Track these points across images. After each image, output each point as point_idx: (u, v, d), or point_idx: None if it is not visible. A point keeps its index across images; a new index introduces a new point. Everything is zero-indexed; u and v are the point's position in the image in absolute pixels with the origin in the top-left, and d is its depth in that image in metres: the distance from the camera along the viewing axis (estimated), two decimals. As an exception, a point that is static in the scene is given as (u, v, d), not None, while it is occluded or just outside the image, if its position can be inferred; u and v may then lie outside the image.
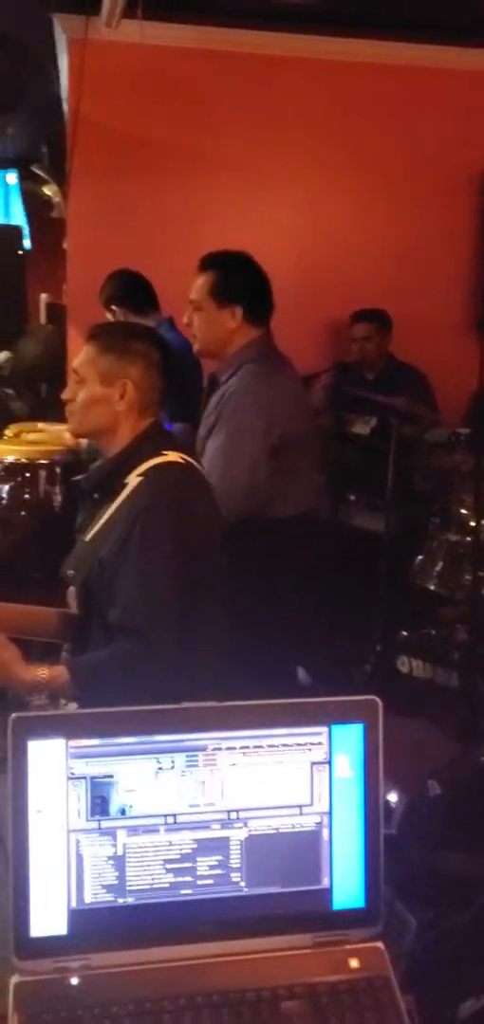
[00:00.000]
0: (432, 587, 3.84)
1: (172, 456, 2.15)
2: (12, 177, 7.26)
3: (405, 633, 3.85)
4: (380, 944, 1.21)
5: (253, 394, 2.80)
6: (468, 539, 3.78)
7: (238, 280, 2.94)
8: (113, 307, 4.07)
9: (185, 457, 2.19)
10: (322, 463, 4.16)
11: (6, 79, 4.29)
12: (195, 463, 2.25)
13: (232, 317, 2.90)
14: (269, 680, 2.19)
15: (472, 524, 3.79)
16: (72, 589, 2.24)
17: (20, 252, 6.53)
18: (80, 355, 2.24)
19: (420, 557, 3.89)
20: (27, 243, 7.17)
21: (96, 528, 2.17)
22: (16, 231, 6.82)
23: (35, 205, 7.32)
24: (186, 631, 2.04)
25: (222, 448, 2.74)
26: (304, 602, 2.98)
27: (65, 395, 2.28)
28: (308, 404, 3.05)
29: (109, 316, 4.07)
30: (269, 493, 2.79)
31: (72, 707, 2.03)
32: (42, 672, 1.95)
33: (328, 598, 4.42)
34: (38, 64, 4.80)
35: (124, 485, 2.13)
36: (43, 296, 6.62)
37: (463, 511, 3.84)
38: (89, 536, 2.19)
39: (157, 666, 1.95)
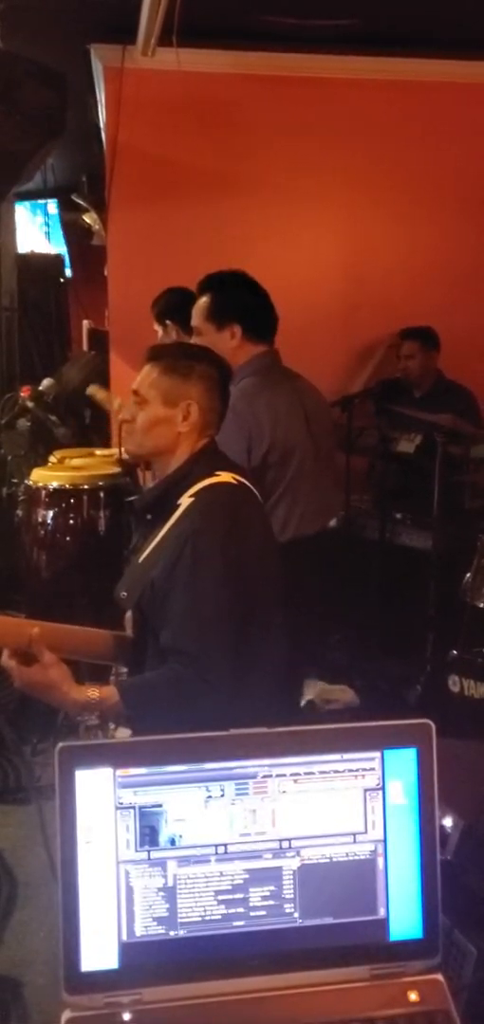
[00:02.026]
0: (482, 605, 3.77)
1: (225, 476, 2.13)
2: (53, 207, 7.36)
3: (455, 652, 3.78)
4: (440, 976, 1.17)
5: (233, 414, 2.78)
6: (518, 556, 3.71)
7: (234, 299, 2.93)
8: (167, 320, 4.05)
9: (238, 477, 2.17)
10: (342, 479, 4.13)
11: (47, 111, 4.34)
12: (248, 483, 2.21)
13: (232, 336, 2.90)
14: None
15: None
16: (129, 613, 2.22)
17: (62, 280, 6.63)
18: (141, 376, 2.22)
19: (469, 575, 3.82)
20: (68, 271, 7.27)
21: (149, 549, 2.15)
22: (58, 260, 6.92)
23: (76, 233, 7.40)
24: (242, 655, 2.01)
25: None
26: (309, 625, 2.93)
27: (123, 416, 2.27)
28: (312, 422, 2.99)
29: (159, 329, 4.06)
30: None
31: (125, 733, 2.02)
32: (93, 692, 1.93)
33: (376, 618, 4.40)
34: (77, 94, 4.84)
35: (177, 506, 2.11)
36: (85, 323, 6.68)
37: (512, 527, 3.77)
38: (142, 557, 2.18)
39: (208, 690, 1.93)
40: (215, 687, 1.93)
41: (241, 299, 2.94)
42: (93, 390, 4.53)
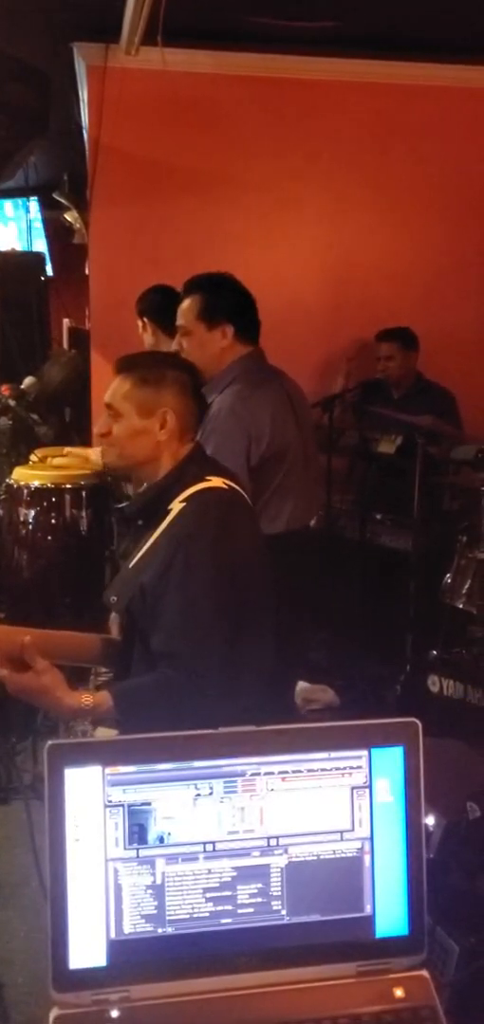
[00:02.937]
0: (461, 606, 3.80)
1: (215, 481, 2.13)
2: (34, 205, 7.32)
3: (435, 652, 3.81)
4: (425, 972, 1.19)
5: (233, 414, 2.80)
6: (497, 557, 3.75)
7: (226, 299, 2.94)
8: (145, 319, 4.04)
9: (228, 482, 2.17)
10: (323, 478, 4.16)
11: (30, 109, 4.32)
12: (238, 488, 2.22)
13: (223, 336, 2.90)
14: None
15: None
16: (114, 615, 2.22)
17: (43, 279, 6.60)
18: (112, 390, 2.21)
19: (448, 576, 3.86)
20: (49, 270, 7.24)
21: (139, 554, 2.15)
22: (39, 258, 6.89)
23: (56, 232, 7.37)
24: (231, 658, 2.01)
25: None
26: (297, 620, 2.95)
27: (99, 430, 2.24)
28: (300, 419, 3.02)
29: (139, 323, 4.05)
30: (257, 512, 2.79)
31: (108, 732, 2.02)
32: (86, 698, 1.93)
33: (356, 618, 4.42)
34: (60, 93, 4.83)
35: (168, 511, 2.11)
36: (66, 321, 6.66)
37: (491, 529, 3.81)
38: (132, 562, 2.17)
39: (202, 695, 1.93)
40: (209, 692, 1.93)
41: (233, 300, 2.95)
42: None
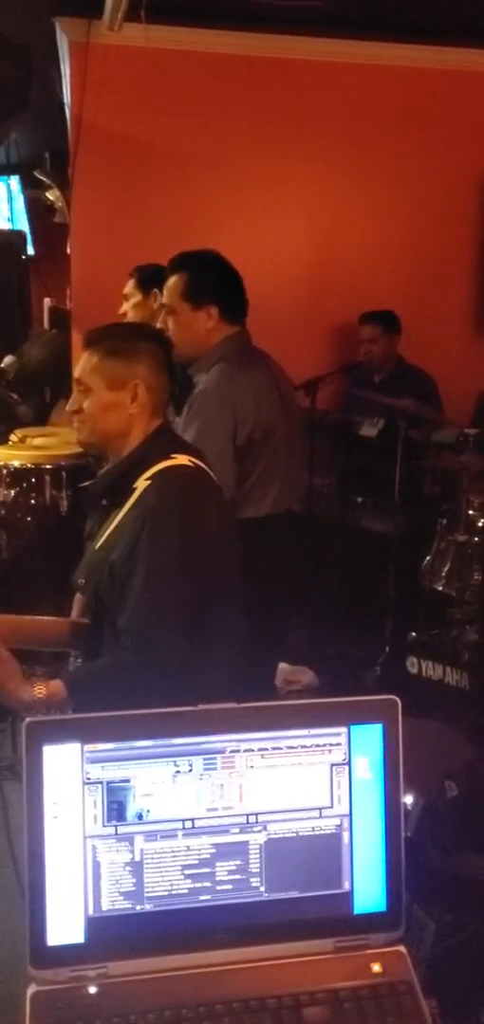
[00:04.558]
0: (441, 588, 3.83)
1: (181, 459, 2.10)
2: (15, 183, 7.25)
3: (414, 634, 3.84)
4: (402, 948, 1.20)
5: (219, 394, 2.77)
6: (476, 539, 3.78)
7: (211, 279, 2.89)
8: (154, 288, 3.91)
9: (195, 460, 2.14)
10: (306, 461, 4.16)
11: (11, 85, 4.27)
12: (205, 466, 2.19)
13: (208, 317, 2.85)
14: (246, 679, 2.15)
15: (480, 524, 3.79)
16: (78, 596, 2.20)
17: (24, 257, 6.55)
18: (81, 364, 2.16)
19: (429, 558, 3.88)
20: (30, 249, 7.18)
21: (105, 535, 2.12)
22: (20, 236, 6.82)
23: (38, 210, 7.31)
24: (198, 637, 2.00)
25: None
26: (280, 602, 2.95)
27: (70, 407, 2.20)
28: (285, 401, 3.01)
29: (135, 295, 3.87)
30: (241, 495, 2.78)
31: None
32: (39, 689, 1.88)
33: (336, 600, 4.43)
34: (41, 69, 4.78)
35: (133, 490, 2.07)
36: (46, 301, 6.60)
37: (471, 512, 3.83)
38: (99, 543, 2.14)
39: (158, 677, 1.90)
40: (165, 674, 1.91)
41: (218, 280, 2.89)
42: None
